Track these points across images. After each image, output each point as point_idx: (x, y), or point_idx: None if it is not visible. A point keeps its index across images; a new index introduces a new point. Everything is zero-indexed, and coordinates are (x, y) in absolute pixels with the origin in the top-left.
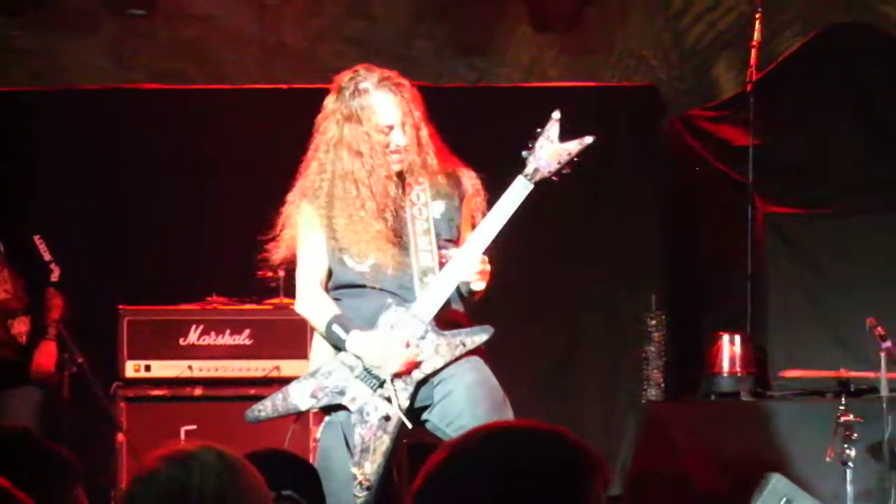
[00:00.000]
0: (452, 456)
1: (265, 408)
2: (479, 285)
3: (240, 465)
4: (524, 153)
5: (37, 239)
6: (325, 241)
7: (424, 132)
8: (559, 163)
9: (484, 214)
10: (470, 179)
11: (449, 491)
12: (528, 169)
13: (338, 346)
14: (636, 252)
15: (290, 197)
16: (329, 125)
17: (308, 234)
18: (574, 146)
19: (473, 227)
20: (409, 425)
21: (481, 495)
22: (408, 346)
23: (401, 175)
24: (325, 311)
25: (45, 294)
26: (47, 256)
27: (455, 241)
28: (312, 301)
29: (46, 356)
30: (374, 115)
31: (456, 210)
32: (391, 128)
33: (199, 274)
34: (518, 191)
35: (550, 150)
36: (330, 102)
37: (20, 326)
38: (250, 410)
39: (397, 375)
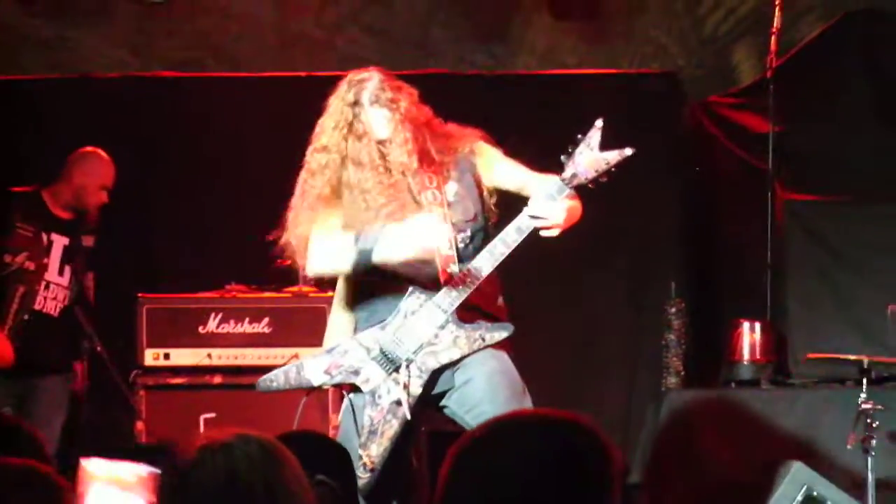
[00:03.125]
0: (473, 447)
1: (277, 379)
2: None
3: (281, 451)
4: (563, 157)
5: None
6: (342, 226)
7: (419, 142)
8: (597, 171)
9: (507, 158)
10: (475, 145)
11: (474, 481)
12: (566, 173)
13: (368, 259)
14: (656, 240)
15: (295, 202)
16: (335, 137)
17: (324, 219)
18: (613, 157)
19: (502, 176)
20: (409, 417)
21: (503, 484)
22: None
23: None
24: (344, 242)
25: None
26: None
27: (473, 220)
28: (324, 245)
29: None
30: (369, 130)
31: (470, 187)
32: (387, 142)
33: (218, 262)
34: (552, 192)
35: (590, 158)
36: (333, 108)
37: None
38: (262, 380)
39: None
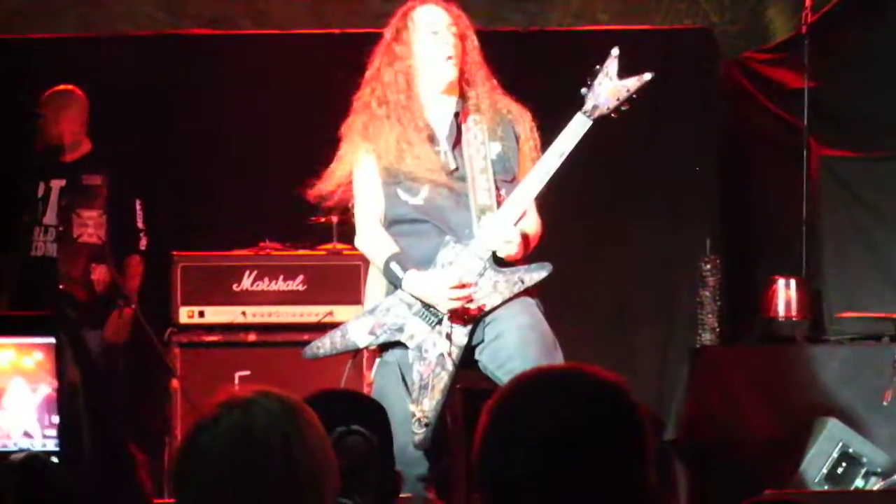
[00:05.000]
0: (502, 405)
1: (323, 345)
2: (504, 251)
3: (301, 408)
4: (583, 90)
5: (137, 202)
6: (379, 175)
7: (477, 55)
8: (618, 99)
9: (539, 153)
10: (525, 120)
11: (507, 438)
12: (587, 106)
13: (394, 284)
14: (691, 196)
15: (342, 133)
16: (375, 57)
17: (361, 167)
18: (633, 83)
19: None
20: (452, 368)
21: (536, 442)
22: (463, 286)
23: (456, 114)
24: (384, 249)
25: (129, 259)
26: (140, 223)
27: (511, 182)
28: (371, 237)
29: (121, 329)
30: (417, 25)
31: (513, 152)
32: (436, 31)
33: (252, 219)
34: (576, 128)
35: (609, 87)
36: (389, 25)
37: (100, 274)
38: (308, 347)
39: (454, 315)
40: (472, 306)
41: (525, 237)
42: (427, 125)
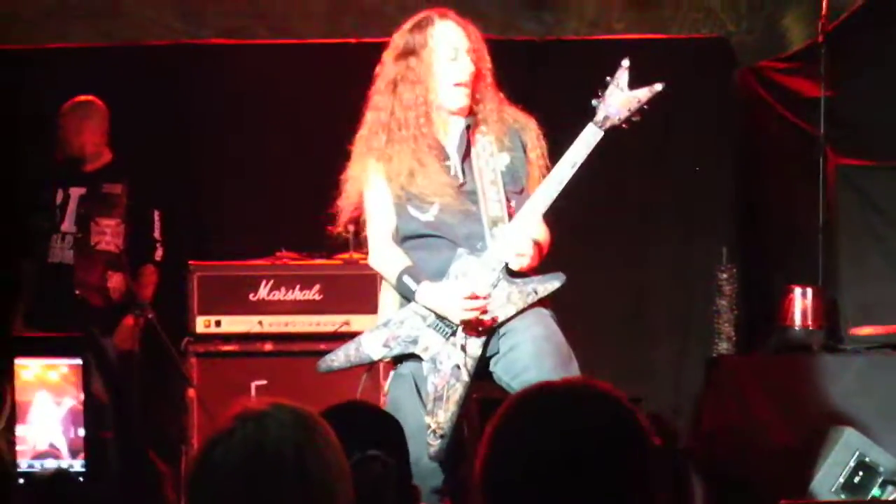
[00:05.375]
0: (505, 418)
1: (337, 358)
2: (517, 263)
3: (314, 421)
4: (594, 101)
5: (156, 213)
6: (390, 194)
7: (489, 75)
8: (629, 110)
9: (546, 161)
10: (530, 128)
11: (511, 448)
12: (598, 116)
13: (407, 297)
14: (707, 205)
15: (354, 149)
16: (387, 65)
17: (372, 188)
18: (644, 93)
19: (540, 176)
20: (468, 379)
21: (541, 453)
22: (476, 297)
23: (467, 127)
24: (396, 263)
25: (144, 269)
26: (157, 234)
27: (520, 193)
28: (384, 254)
29: (130, 336)
30: (436, 44)
31: (520, 162)
32: (455, 55)
33: (269, 229)
34: (588, 139)
35: (620, 98)
36: (391, 43)
37: (117, 282)
38: (322, 361)
39: (468, 326)
40: (486, 317)
41: (538, 246)
42: (439, 143)
